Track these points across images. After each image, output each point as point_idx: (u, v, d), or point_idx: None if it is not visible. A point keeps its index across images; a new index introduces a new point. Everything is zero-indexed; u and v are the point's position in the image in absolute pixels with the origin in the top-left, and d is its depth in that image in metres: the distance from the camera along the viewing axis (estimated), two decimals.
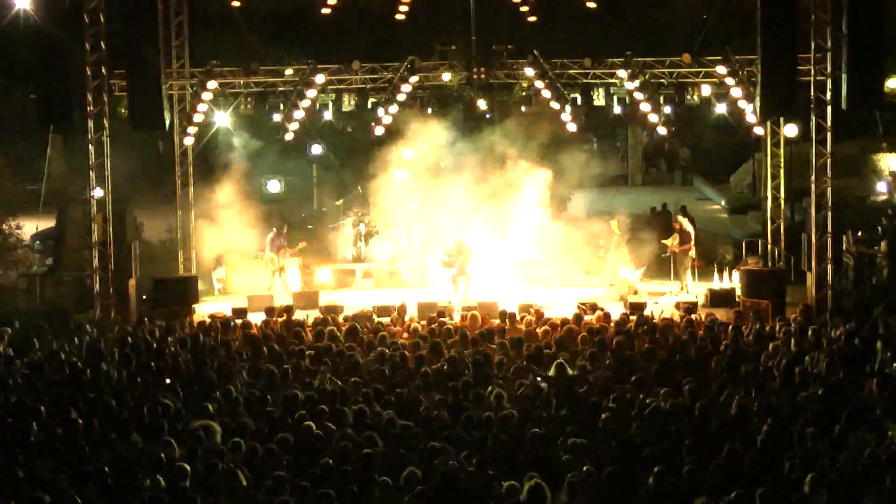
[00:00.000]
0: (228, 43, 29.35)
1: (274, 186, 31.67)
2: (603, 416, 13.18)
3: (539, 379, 14.89)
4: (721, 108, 25.11)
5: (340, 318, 20.74)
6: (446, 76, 25.06)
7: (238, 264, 26.29)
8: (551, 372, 15.08)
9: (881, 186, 32.85)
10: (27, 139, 35.36)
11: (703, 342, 17.44)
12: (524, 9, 25.44)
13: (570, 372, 15.21)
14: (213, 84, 24.04)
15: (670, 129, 25.58)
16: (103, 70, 23.05)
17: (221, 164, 27.94)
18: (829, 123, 22.47)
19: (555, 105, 24.74)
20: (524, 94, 26.80)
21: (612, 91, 24.80)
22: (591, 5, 25.43)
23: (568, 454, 11.72)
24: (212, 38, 28.62)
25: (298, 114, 24.77)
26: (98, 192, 23.49)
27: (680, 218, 26.12)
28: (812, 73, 22.43)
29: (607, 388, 14.59)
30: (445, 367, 15.94)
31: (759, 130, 24.62)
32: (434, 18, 29.55)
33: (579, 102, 25.02)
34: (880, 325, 18.01)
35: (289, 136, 25.58)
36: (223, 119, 25.49)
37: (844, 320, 19.21)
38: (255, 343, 18.21)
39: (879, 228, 25.49)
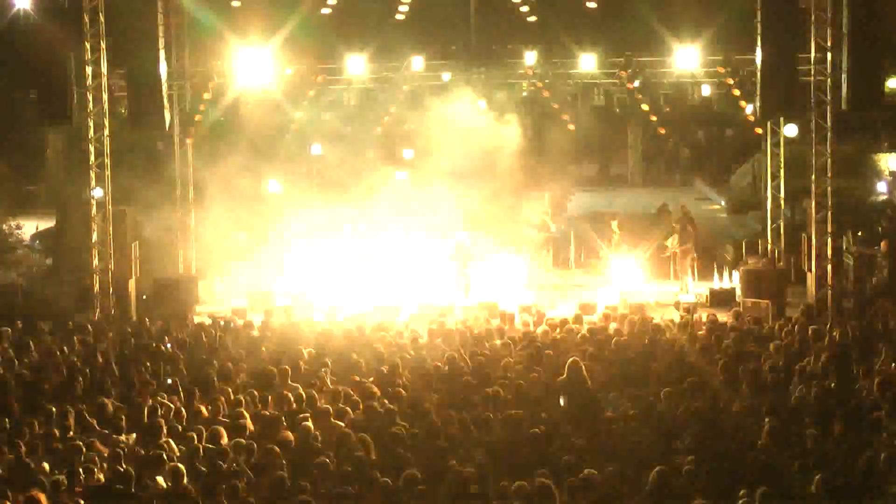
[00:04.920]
0: (228, 43, 29.25)
1: (274, 186, 31.64)
2: (603, 416, 13.18)
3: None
4: (721, 109, 25.13)
5: (340, 319, 20.73)
6: (446, 76, 25.08)
7: (238, 264, 26.26)
8: (564, 374, 14.96)
9: (881, 186, 32.84)
10: (27, 139, 35.33)
11: (703, 342, 17.43)
12: (524, 9, 25.45)
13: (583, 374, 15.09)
14: (213, 84, 24.04)
15: (670, 129, 25.58)
16: (103, 70, 23.05)
17: (221, 164, 27.91)
18: (829, 123, 22.47)
19: (555, 105, 24.76)
20: (524, 94, 26.80)
21: (612, 91, 24.81)
22: (591, 5, 25.43)
23: (568, 454, 11.72)
24: (212, 39, 28.59)
25: (298, 114, 24.77)
26: (98, 192, 23.48)
27: (680, 218, 26.11)
28: (812, 73, 22.43)
29: (607, 388, 14.59)
30: (445, 367, 15.93)
31: (759, 130, 24.62)
32: (434, 18, 29.54)
33: (579, 102, 25.05)
34: (880, 325, 18.00)
35: (289, 135, 25.61)
36: (224, 117, 25.48)
37: (844, 320, 19.20)
38: (254, 343, 18.20)
39: (879, 228, 25.48)
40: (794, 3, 22.08)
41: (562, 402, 14.29)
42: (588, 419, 13.21)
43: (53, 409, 13.72)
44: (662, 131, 25.27)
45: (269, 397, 14.37)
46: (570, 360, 15.08)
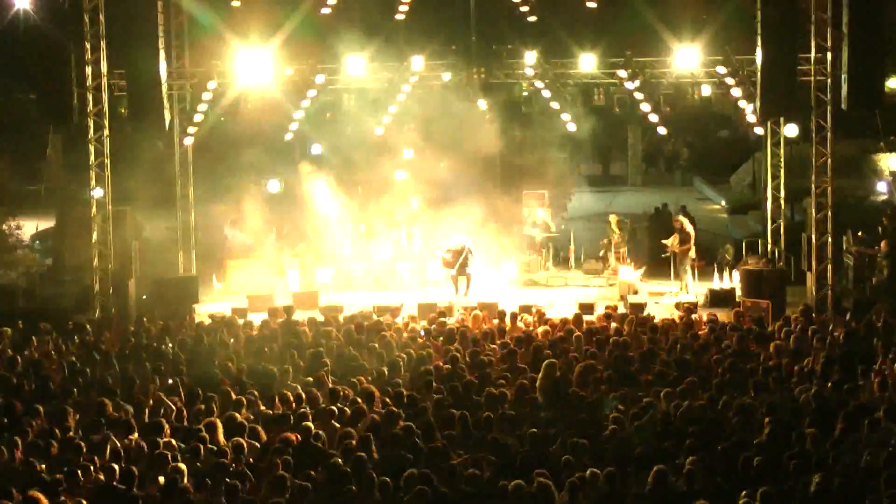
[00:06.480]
0: (228, 43, 29.22)
1: (274, 186, 31.65)
2: (602, 416, 13.18)
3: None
4: (721, 108, 25.13)
5: (340, 318, 20.73)
6: (446, 76, 25.08)
7: (238, 264, 26.27)
8: (540, 372, 15.03)
9: (881, 186, 32.84)
10: (27, 139, 35.37)
11: (703, 342, 17.44)
12: (524, 9, 25.43)
13: (557, 374, 15.14)
14: (213, 84, 24.04)
15: (670, 129, 25.59)
16: (103, 70, 23.06)
17: (221, 164, 27.96)
18: (829, 123, 22.47)
19: (555, 105, 24.76)
20: (524, 94, 26.82)
21: (612, 91, 24.84)
22: (591, 5, 25.41)
23: (568, 454, 11.72)
24: (212, 39, 28.60)
25: (298, 114, 24.78)
26: (98, 192, 23.49)
27: (680, 218, 26.11)
28: (812, 73, 22.45)
29: (607, 389, 14.60)
30: (445, 367, 15.94)
31: (759, 130, 24.63)
32: (434, 18, 29.53)
33: (579, 102, 25.06)
34: (880, 325, 18.00)
35: (289, 136, 25.62)
36: (224, 117, 25.47)
37: (844, 320, 19.21)
38: (254, 343, 18.20)
39: (879, 228, 25.48)
40: (794, 3, 22.10)
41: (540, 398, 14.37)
42: (573, 417, 13.23)
43: (53, 409, 13.73)
44: (662, 131, 25.23)
45: (270, 397, 14.39)
46: (546, 361, 15.12)
